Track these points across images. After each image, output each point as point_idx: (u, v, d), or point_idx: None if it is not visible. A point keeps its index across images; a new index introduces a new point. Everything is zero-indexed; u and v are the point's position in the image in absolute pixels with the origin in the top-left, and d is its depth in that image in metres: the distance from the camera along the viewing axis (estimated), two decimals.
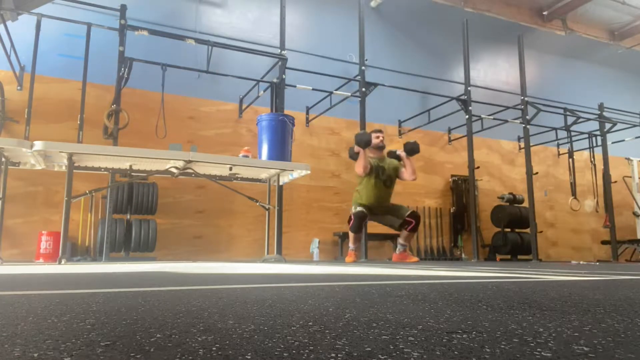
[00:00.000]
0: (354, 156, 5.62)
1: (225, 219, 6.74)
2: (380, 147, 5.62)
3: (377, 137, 5.59)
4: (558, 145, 9.53)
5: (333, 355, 0.54)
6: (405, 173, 5.63)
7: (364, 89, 6.52)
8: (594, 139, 8.95)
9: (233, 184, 5.43)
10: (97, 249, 5.58)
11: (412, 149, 5.66)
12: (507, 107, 7.87)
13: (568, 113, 8.41)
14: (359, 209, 5.44)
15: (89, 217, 5.91)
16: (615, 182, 8.65)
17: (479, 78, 9.11)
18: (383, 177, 5.53)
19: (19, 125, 5.65)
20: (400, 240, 5.63)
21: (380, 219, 5.68)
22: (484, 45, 9.34)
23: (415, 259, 5.77)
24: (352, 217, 5.45)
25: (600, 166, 8.76)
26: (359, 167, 5.43)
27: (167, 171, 4.84)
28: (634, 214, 9.86)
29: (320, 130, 7.65)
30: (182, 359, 0.52)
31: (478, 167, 7.37)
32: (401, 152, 5.72)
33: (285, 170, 5.09)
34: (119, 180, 5.32)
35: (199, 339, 0.63)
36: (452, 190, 8.49)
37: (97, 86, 5.98)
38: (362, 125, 6.37)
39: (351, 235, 5.48)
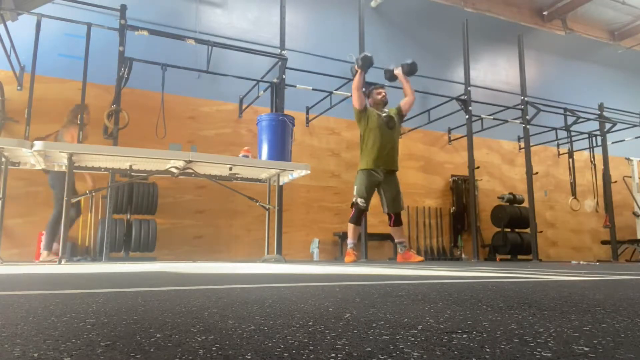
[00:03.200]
0: (353, 73, 5.41)
1: (225, 219, 6.74)
2: (383, 103, 5.43)
3: (379, 94, 5.43)
4: (558, 145, 9.53)
5: (333, 355, 0.54)
6: (405, 97, 5.41)
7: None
8: (594, 139, 8.95)
9: (233, 184, 5.43)
10: (97, 249, 5.58)
11: (410, 70, 5.40)
12: (507, 107, 7.87)
13: (568, 113, 8.41)
14: (360, 200, 5.19)
15: (89, 217, 5.91)
16: (615, 182, 8.65)
17: (479, 78, 9.11)
18: (385, 118, 5.28)
19: (19, 125, 5.65)
20: (395, 240, 5.47)
21: (384, 187, 5.30)
22: (484, 45, 9.34)
23: (420, 258, 5.59)
24: (354, 206, 5.23)
25: (600, 166, 8.76)
26: (354, 96, 5.22)
27: (167, 171, 4.84)
28: (634, 214, 9.86)
29: (320, 130, 7.65)
30: (182, 359, 0.52)
31: (478, 167, 7.37)
32: (398, 72, 5.49)
33: (285, 170, 5.09)
34: (119, 180, 5.32)
35: (199, 339, 0.63)
36: (452, 190, 8.49)
37: (97, 86, 5.98)
38: None
39: (350, 227, 5.24)
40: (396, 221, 5.32)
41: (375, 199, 5.44)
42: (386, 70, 5.60)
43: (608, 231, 8.40)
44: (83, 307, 0.96)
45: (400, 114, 5.48)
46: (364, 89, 5.44)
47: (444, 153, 8.69)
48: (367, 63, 5.17)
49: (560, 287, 1.65)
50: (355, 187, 5.31)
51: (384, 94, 5.48)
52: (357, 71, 5.30)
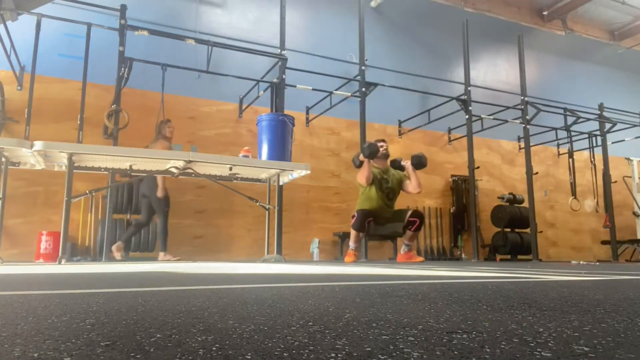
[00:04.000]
0: (358, 164, 5.49)
1: (225, 219, 6.73)
2: (384, 156, 5.52)
3: (381, 147, 5.50)
4: (558, 145, 9.53)
5: (333, 355, 0.54)
6: (410, 186, 5.50)
7: (364, 89, 6.52)
8: (594, 139, 8.95)
9: (233, 184, 5.43)
10: (97, 249, 5.58)
11: (419, 163, 5.47)
12: (507, 107, 7.87)
13: (568, 113, 8.41)
14: (363, 209, 5.36)
15: (89, 217, 5.91)
16: (615, 182, 8.65)
17: (479, 78, 9.10)
18: (386, 190, 5.42)
19: (19, 125, 5.65)
20: (405, 240, 5.51)
21: (382, 229, 5.56)
22: (484, 45, 9.34)
23: (421, 258, 5.69)
24: (356, 214, 5.34)
25: (600, 166, 8.76)
26: (362, 176, 5.32)
27: (167, 171, 4.84)
28: (634, 214, 9.86)
29: (320, 130, 7.65)
30: (182, 359, 0.52)
31: (478, 167, 7.37)
32: (407, 163, 5.55)
33: (285, 170, 5.09)
34: (119, 180, 5.32)
35: (199, 339, 0.63)
36: (452, 190, 8.49)
37: (97, 86, 5.98)
38: (362, 125, 6.37)
39: (353, 233, 5.34)
40: (419, 227, 5.40)
41: None
42: (394, 160, 5.66)
43: (608, 231, 8.39)
44: (83, 307, 0.96)
45: (400, 186, 5.57)
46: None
47: (444, 153, 8.69)
48: (373, 151, 5.20)
49: (560, 287, 1.65)
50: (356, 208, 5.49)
51: (385, 146, 5.53)
52: (361, 162, 5.33)
